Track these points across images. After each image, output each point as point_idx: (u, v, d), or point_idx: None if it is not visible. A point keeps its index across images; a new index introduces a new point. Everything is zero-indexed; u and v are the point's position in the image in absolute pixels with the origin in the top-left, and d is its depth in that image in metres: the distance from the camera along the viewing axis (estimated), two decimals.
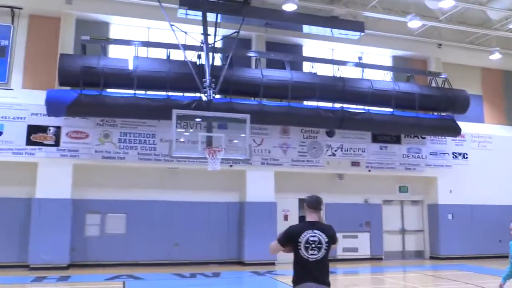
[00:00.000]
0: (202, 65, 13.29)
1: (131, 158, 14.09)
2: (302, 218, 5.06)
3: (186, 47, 13.53)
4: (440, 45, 17.71)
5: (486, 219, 17.16)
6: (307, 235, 4.29)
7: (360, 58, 16.68)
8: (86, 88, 12.90)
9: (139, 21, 14.96)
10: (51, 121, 13.46)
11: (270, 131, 15.41)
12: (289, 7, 13.95)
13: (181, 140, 12.81)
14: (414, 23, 15.14)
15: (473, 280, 12.06)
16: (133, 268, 13.53)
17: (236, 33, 13.39)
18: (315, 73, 15.14)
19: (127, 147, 14.10)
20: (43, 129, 13.50)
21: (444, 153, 17.24)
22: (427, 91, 15.96)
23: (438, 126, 16.08)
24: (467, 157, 17.55)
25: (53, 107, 12.78)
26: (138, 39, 14.19)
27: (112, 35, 14.64)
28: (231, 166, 14.78)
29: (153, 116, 13.69)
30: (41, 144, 13.39)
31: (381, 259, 16.42)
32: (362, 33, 15.53)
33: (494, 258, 16.87)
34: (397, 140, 16.69)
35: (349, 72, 15.83)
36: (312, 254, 4.26)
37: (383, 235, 16.70)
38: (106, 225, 14.05)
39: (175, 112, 11.39)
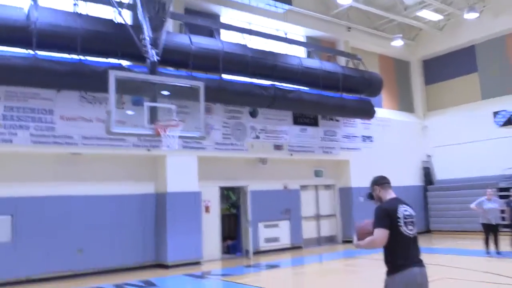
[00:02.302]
0: (122, 24, 10.52)
1: (22, 140, 10.52)
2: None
3: (107, 2, 10.60)
4: (350, 28, 17.59)
5: None
6: (401, 209, 3.94)
7: (286, 34, 15.46)
8: None
9: None
10: None
11: (191, 110, 13.17)
12: None
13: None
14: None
15: None
16: (25, 286, 10.21)
17: None
18: (245, 45, 13.43)
19: (15, 126, 10.50)
20: None
21: (354, 136, 17.19)
22: (349, 72, 15.57)
23: (358, 108, 15.85)
24: (372, 140, 17.81)
25: None
26: None
27: None
28: (148, 150, 12.37)
29: (58, 84, 10.44)
30: None
31: (301, 247, 15.61)
32: (289, 6, 14.35)
33: None
34: (315, 123, 16.01)
35: (269, 47, 14.46)
36: (411, 229, 3.93)
37: (301, 222, 15.90)
38: None
39: (112, 73, 8.51)
